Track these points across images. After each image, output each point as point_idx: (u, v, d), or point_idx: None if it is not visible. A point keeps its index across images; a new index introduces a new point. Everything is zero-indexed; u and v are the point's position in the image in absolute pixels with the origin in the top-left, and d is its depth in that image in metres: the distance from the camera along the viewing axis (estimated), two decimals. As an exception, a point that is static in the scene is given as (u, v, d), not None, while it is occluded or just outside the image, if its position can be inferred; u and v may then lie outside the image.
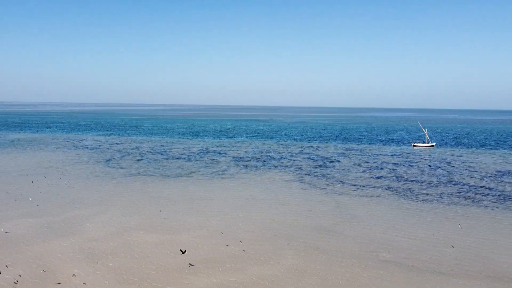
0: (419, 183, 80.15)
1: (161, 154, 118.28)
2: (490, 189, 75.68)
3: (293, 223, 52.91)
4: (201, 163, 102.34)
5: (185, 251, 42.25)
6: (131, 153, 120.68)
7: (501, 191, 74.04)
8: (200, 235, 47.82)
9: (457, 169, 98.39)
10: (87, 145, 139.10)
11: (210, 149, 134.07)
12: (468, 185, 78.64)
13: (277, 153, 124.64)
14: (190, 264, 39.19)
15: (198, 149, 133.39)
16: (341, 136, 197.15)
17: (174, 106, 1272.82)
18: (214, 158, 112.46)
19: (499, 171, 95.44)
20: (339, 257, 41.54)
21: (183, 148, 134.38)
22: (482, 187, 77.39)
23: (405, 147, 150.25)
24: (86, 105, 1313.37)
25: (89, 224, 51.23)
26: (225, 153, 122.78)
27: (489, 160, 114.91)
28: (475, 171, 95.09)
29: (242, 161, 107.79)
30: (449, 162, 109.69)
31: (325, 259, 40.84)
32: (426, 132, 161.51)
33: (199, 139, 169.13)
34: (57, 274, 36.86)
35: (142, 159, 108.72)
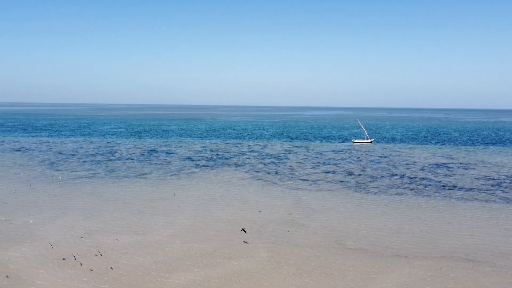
0: (365, 177, 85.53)
1: (106, 155, 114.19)
2: (428, 180, 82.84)
3: (257, 219, 54.48)
4: (151, 164, 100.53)
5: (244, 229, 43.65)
6: (73, 154, 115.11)
7: (438, 181, 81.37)
8: (170, 234, 47.76)
9: (396, 163, 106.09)
10: (22, 148, 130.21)
11: (157, 149, 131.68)
12: (408, 177, 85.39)
13: (226, 152, 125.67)
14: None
15: (144, 149, 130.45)
16: (284, 134, 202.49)
17: (102, 106, 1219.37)
18: (164, 158, 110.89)
19: (432, 164, 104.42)
20: (309, 247, 43.83)
21: (128, 149, 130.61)
22: (421, 178, 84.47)
23: (346, 143, 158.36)
24: (3, 104, 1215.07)
25: (49, 228, 48.96)
26: (173, 153, 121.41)
27: (422, 154, 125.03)
28: (412, 164, 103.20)
29: (193, 160, 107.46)
30: (388, 157, 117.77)
31: (297, 251, 42.90)
32: (365, 129, 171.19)
33: (142, 139, 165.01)
34: (26, 281, 35.24)
35: (87, 160, 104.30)
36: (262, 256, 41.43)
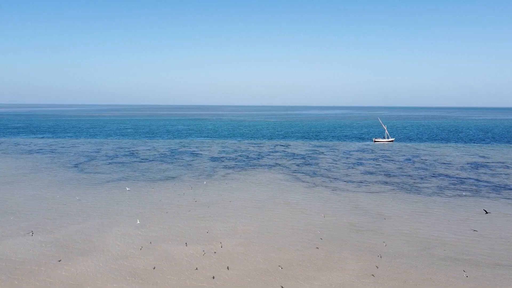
0: (409, 178, 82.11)
1: (129, 157, 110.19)
2: (477, 180, 79.56)
3: (325, 224, 50.93)
4: (180, 165, 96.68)
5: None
6: (94, 156, 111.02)
7: (488, 182, 78.11)
8: (240, 243, 44.10)
9: (431, 162, 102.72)
10: (39, 150, 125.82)
11: (177, 149, 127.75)
12: (454, 178, 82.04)
13: (250, 152, 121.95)
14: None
15: (165, 150, 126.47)
16: (297, 134, 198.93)
17: (102, 107, 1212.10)
18: (190, 159, 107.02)
19: (469, 163, 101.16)
20: (398, 256, 40.31)
21: (148, 150, 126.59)
22: (467, 178, 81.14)
23: (367, 142, 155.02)
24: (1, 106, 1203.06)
25: (106, 238, 45.17)
26: (196, 154, 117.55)
27: (452, 153, 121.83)
28: (449, 164, 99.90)
29: (221, 161, 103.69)
30: (418, 156, 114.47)
31: (388, 261, 39.36)
32: (386, 128, 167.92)
33: (156, 140, 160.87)
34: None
35: (112, 162, 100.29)
36: (354, 268, 37.88)
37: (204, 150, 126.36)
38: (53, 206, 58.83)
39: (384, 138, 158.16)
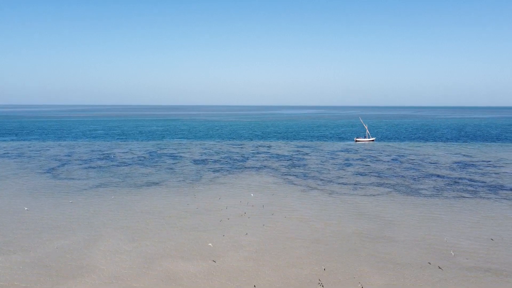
0: (403, 178, 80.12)
1: (106, 160, 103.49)
2: (470, 180, 78.45)
3: (333, 234, 47.45)
4: (163, 169, 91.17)
5: None
6: (68, 160, 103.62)
7: (482, 182, 77.10)
8: (247, 257, 39.92)
9: (419, 162, 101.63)
10: (4, 154, 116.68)
11: (155, 152, 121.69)
12: (447, 178, 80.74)
13: (234, 154, 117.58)
14: None
15: (143, 152, 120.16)
16: (276, 134, 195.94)
17: (70, 107, 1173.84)
18: (172, 162, 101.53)
19: (456, 162, 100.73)
20: (425, 268, 37.26)
21: (124, 153, 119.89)
22: (460, 178, 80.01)
23: (349, 142, 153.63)
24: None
25: (96, 255, 39.93)
26: (178, 156, 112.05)
27: (436, 152, 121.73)
28: (437, 163, 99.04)
29: (205, 164, 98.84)
30: (404, 156, 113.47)
31: (414, 273, 36.22)
32: (367, 128, 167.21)
33: (130, 142, 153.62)
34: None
35: (89, 167, 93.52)
36: (380, 283, 34.51)
37: (184, 152, 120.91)
38: (27, 219, 52.64)
39: (365, 137, 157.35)
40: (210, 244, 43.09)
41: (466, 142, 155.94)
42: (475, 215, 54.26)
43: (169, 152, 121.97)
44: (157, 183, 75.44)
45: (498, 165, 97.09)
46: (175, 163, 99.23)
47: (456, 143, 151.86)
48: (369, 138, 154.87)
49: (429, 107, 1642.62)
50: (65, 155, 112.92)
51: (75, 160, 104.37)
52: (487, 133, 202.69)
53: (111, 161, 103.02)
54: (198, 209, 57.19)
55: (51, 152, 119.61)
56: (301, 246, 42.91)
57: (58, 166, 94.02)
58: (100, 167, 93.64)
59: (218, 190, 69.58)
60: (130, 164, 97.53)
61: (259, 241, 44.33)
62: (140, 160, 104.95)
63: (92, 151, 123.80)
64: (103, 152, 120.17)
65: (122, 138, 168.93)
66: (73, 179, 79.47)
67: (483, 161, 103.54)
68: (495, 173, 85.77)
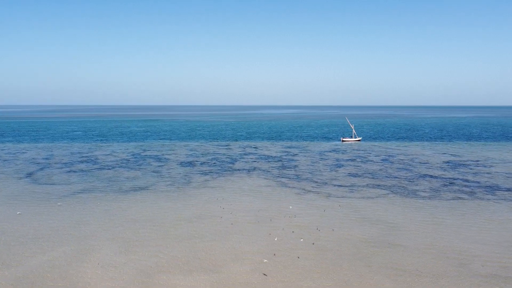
0: (398, 179, 78.80)
1: (88, 163, 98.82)
2: (464, 181, 77.72)
3: (338, 241, 45.15)
4: (149, 172, 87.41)
5: None
6: (48, 163, 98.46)
7: (476, 182, 76.46)
8: (254, 270, 37.12)
9: (408, 161, 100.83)
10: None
11: (139, 154, 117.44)
12: (441, 178, 79.86)
13: (221, 155, 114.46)
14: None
15: (126, 154, 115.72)
16: (260, 134, 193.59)
17: (44, 108, 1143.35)
18: (158, 164, 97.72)
19: (446, 162, 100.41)
20: (440, 276, 35.29)
21: (107, 155, 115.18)
22: (454, 179, 79.25)
23: (336, 142, 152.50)
24: None
25: (86, 270, 36.40)
26: (162, 158, 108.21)
27: (423, 152, 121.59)
28: (427, 163, 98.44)
29: (193, 166, 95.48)
30: (393, 155, 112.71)
31: (431, 283, 34.20)
32: (353, 128, 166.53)
33: (111, 143, 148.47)
34: None
35: (70, 170, 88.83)
36: (397, 295, 32.29)
37: (169, 154, 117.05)
38: (6, 229, 48.45)
39: (351, 137, 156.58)
40: (207, 255, 40.08)
41: (451, 141, 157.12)
42: (478, 218, 52.94)
43: (153, 154, 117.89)
44: (144, 188, 71.77)
45: (488, 164, 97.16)
46: (161, 166, 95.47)
47: (441, 142, 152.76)
48: (355, 138, 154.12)
49: (410, 106, 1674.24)
50: (43, 158, 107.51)
51: (55, 163, 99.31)
52: (468, 132, 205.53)
53: (93, 164, 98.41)
54: (191, 216, 54.04)
55: (28, 155, 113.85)
56: (308, 255, 40.40)
57: (37, 170, 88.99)
58: (82, 170, 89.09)
59: (209, 195, 66.50)
60: (113, 167, 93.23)
61: (262, 250, 41.61)
62: (124, 162, 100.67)
63: (72, 153, 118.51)
64: (84, 155, 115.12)
65: (102, 140, 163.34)
66: (54, 184, 74.95)
67: (471, 160, 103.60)
68: (487, 173, 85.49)
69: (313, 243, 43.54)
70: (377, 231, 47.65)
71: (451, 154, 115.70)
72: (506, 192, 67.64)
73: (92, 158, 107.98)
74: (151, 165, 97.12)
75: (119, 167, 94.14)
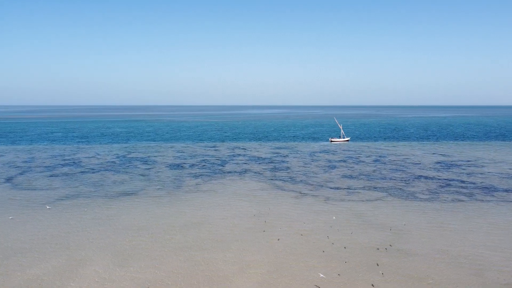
0: (393, 181, 77.54)
1: (72, 167, 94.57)
2: (460, 182, 76.97)
3: (346, 247, 43.13)
4: (137, 175, 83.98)
5: None
6: (29, 167, 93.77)
7: (471, 183, 75.79)
8: (262, 282, 34.70)
9: (400, 162, 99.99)
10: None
11: (125, 156, 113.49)
12: (436, 179, 78.97)
13: (211, 157, 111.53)
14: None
15: (111, 157, 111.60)
16: (247, 135, 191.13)
17: (18, 108, 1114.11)
18: (146, 167, 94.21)
19: (437, 162, 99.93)
20: (458, 286, 33.56)
21: (91, 157, 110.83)
22: (449, 180, 78.46)
23: (324, 142, 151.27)
24: None
25: (78, 285, 33.35)
26: (149, 161, 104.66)
27: (414, 152, 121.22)
28: (419, 164, 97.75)
29: (182, 168, 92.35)
30: (384, 156, 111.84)
31: (451, 294, 32.43)
32: (341, 128, 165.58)
33: (94, 145, 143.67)
34: None
35: (53, 174, 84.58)
36: (418, 308, 30.36)
37: (156, 156, 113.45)
38: (-11, 240, 44.73)
39: (340, 137, 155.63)
40: (210, 267, 37.46)
41: (438, 141, 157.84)
42: (483, 222, 51.75)
43: (139, 156, 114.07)
44: (134, 193, 68.46)
45: (479, 164, 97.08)
46: (148, 169, 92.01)
47: (428, 142, 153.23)
48: (344, 138, 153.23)
49: (390, 106, 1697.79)
50: (24, 162, 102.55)
51: (36, 167, 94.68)
52: (452, 132, 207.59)
53: (77, 167, 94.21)
54: (186, 224, 51.24)
55: (6, 158, 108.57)
56: (317, 265, 38.22)
57: (17, 175, 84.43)
58: (65, 174, 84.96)
59: (203, 200, 63.74)
60: (98, 171, 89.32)
61: (268, 260, 39.22)
62: (109, 166, 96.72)
63: (53, 156, 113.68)
64: (66, 157, 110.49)
65: (84, 141, 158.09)
66: (36, 189, 70.89)
67: (462, 160, 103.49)
68: (480, 173, 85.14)
69: (323, 251, 41.35)
70: (384, 237, 45.84)
71: (441, 154, 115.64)
72: (504, 193, 67.00)
73: (75, 161, 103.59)
74: (138, 168, 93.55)
75: (104, 170, 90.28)
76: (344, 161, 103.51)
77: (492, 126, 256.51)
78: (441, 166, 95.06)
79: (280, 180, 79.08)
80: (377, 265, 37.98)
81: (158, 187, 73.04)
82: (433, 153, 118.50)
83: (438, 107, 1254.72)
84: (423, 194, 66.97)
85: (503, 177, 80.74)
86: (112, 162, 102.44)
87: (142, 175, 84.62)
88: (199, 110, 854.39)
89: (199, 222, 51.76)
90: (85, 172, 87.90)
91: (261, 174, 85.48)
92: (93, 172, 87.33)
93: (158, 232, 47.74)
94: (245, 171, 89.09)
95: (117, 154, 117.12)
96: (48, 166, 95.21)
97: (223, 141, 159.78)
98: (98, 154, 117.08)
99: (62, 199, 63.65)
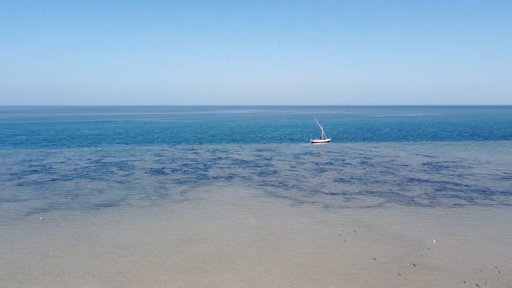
0: (386, 185, 75.09)
1: (43, 173, 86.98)
2: (455, 184, 75.44)
3: (361, 263, 39.51)
4: (116, 183, 77.80)
5: None
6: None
7: (467, 186, 74.36)
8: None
9: (386, 164, 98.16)
10: None
11: (99, 161, 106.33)
12: (429, 182, 77.17)
13: (192, 160, 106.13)
14: None
15: (84, 162, 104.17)
16: (223, 136, 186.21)
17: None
18: (123, 173, 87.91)
19: (425, 164, 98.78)
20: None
21: (62, 163, 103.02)
22: (443, 182, 76.84)
23: (306, 144, 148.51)
24: None
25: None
26: (127, 165, 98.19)
27: (397, 153, 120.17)
28: (406, 165, 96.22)
29: (164, 174, 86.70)
30: (370, 157, 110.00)
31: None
32: (322, 129, 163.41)
33: (64, 149, 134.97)
34: None
35: (21, 183, 77.06)
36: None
37: (132, 161, 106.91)
38: (-48, 267, 38.21)
39: (321, 138, 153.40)
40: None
41: (416, 141, 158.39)
42: (495, 230, 49.45)
43: (114, 160, 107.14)
44: (115, 204, 62.50)
45: (465, 165, 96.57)
46: (127, 175, 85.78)
47: (407, 142, 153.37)
48: (324, 139, 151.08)
49: (359, 106, 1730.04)
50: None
51: (3, 174, 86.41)
52: (426, 132, 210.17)
53: (48, 174, 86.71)
54: (180, 239, 46.25)
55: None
56: (336, 286, 34.32)
57: (-19, 184, 76.33)
58: (35, 183, 77.61)
59: (192, 210, 58.77)
60: (73, 178, 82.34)
61: (281, 282, 35.00)
62: (83, 172, 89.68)
63: (20, 161, 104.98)
64: (34, 163, 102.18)
65: (51, 145, 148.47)
66: (5, 200, 63.62)
67: (447, 161, 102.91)
68: (470, 175, 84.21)
69: (339, 270, 37.48)
70: (399, 250, 42.57)
71: (425, 155, 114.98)
72: (502, 197, 65.63)
73: (45, 167, 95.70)
74: (115, 174, 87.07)
75: (78, 177, 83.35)
76: (331, 163, 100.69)
77: (462, 126, 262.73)
78: (429, 167, 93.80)
79: (271, 185, 75.03)
80: (406, 284, 34.50)
81: (140, 196, 67.33)
82: (417, 154, 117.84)
83: (404, 107, 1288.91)
84: (422, 199, 64.62)
85: (494, 179, 79.93)
86: (85, 168, 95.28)
87: (121, 182, 78.45)
88: (168, 110, 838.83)
89: (194, 237, 46.88)
90: (57, 179, 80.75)
91: (249, 179, 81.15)
92: (66, 180, 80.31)
93: (149, 250, 42.55)
94: (232, 176, 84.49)
95: (90, 159, 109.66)
96: (15, 174, 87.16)
97: (200, 143, 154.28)
98: (69, 159, 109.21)
99: (33, 213, 57.01)
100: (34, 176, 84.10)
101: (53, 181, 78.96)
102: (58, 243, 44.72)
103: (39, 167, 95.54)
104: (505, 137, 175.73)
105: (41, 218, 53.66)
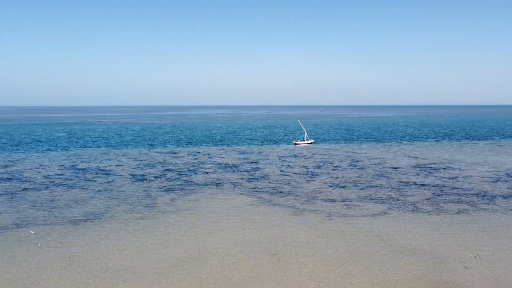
0: (382, 189, 72.36)
1: (12, 182, 79.51)
2: (452, 188, 73.56)
3: (382, 281, 35.92)
4: (96, 191, 71.62)
5: None
6: (-46, 185, 77.26)
7: (465, 189, 72.59)
8: None
9: (379, 166, 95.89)
10: None
11: (75, 166, 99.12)
12: (426, 186, 75.04)
13: (175, 165, 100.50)
14: None
15: (58, 168, 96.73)
16: (201, 138, 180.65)
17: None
18: (103, 180, 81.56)
19: (415, 166, 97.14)
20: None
21: (34, 169, 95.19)
22: (440, 186, 74.91)
23: (289, 146, 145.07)
24: None
25: None
26: (106, 172, 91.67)
27: (384, 155, 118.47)
28: (398, 168, 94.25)
29: (147, 181, 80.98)
30: (358, 160, 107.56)
31: None
32: (305, 130, 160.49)
33: (34, 154, 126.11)
34: None
35: (-12, 194, 69.60)
36: None
37: (110, 166, 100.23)
38: None
39: (304, 140, 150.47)
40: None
41: (397, 142, 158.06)
42: (509, 240, 47.14)
43: (90, 166, 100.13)
44: (98, 217, 56.65)
45: (455, 167, 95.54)
46: (107, 182, 79.55)
47: (389, 143, 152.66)
48: (308, 140, 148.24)
49: (330, 106, 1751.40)
50: None
51: (-35, 184, 78.35)
52: (403, 132, 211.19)
53: (19, 182, 79.30)
54: (180, 259, 41.34)
55: None
56: (368, 313, 30.49)
57: None
58: (5, 193, 70.39)
59: (187, 222, 53.81)
60: (48, 187, 75.45)
61: (305, 310, 30.83)
62: (57, 180, 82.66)
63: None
64: (2, 170, 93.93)
65: (18, 149, 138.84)
66: (-30, 216, 56.53)
67: (435, 163, 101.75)
68: (464, 177, 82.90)
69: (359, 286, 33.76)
70: (422, 266, 39.24)
71: (412, 157, 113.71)
72: (503, 201, 63.96)
73: (15, 174, 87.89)
74: (94, 181, 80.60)
75: (53, 186, 76.50)
76: (320, 167, 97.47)
77: (437, 126, 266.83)
78: (420, 170, 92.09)
79: (264, 192, 70.83)
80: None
81: (125, 207, 61.63)
82: (402, 155, 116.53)
83: (377, 107, 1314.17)
84: (425, 204, 62.02)
85: (489, 182, 78.69)
86: (59, 175, 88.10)
87: (100, 191, 72.28)
88: (139, 111, 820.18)
89: (195, 255, 42.05)
90: (30, 189, 73.68)
91: (240, 185, 76.65)
92: (39, 190, 73.35)
93: (147, 274, 37.48)
94: (220, 182, 79.73)
95: (63, 165, 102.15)
96: (-20, 183, 79.23)
97: (179, 146, 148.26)
98: (40, 165, 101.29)
99: (5, 230, 50.53)
100: (4, 185, 76.62)
101: (24, 191, 71.88)
102: (35, 268, 38.86)
103: (6, 175, 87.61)
104: (481, 137, 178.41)
105: (32, 232, 47.33)
